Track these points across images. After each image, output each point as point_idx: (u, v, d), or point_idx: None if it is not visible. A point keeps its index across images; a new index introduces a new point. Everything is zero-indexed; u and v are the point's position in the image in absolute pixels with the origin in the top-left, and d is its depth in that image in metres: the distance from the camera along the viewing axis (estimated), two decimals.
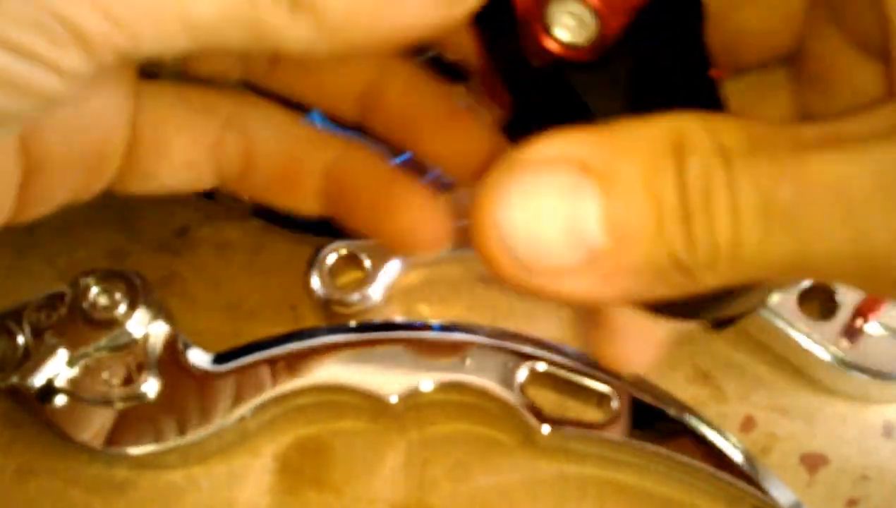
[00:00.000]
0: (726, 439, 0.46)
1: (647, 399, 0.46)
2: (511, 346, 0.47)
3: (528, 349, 0.47)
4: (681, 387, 0.49)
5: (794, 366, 0.50)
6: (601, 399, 0.47)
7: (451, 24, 0.28)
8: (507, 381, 0.47)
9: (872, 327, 0.48)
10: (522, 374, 0.47)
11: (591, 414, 0.48)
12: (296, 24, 0.26)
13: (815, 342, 0.48)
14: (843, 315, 0.48)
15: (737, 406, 0.49)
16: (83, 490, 0.47)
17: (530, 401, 0.46)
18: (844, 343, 0.48)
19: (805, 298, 0.49)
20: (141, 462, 0.47)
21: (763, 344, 0.50)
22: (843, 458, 0.48)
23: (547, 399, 0.48)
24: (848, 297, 0.48)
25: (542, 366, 0.47)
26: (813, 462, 0.48)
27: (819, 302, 0.49)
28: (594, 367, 0.47)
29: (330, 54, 0.27)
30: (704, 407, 0.49)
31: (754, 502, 0.45)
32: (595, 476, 0.47)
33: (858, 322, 0.48)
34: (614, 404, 0.46)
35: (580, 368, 0.47)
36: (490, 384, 0.47)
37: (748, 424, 0.49)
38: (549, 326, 0.50)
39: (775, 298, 0.48)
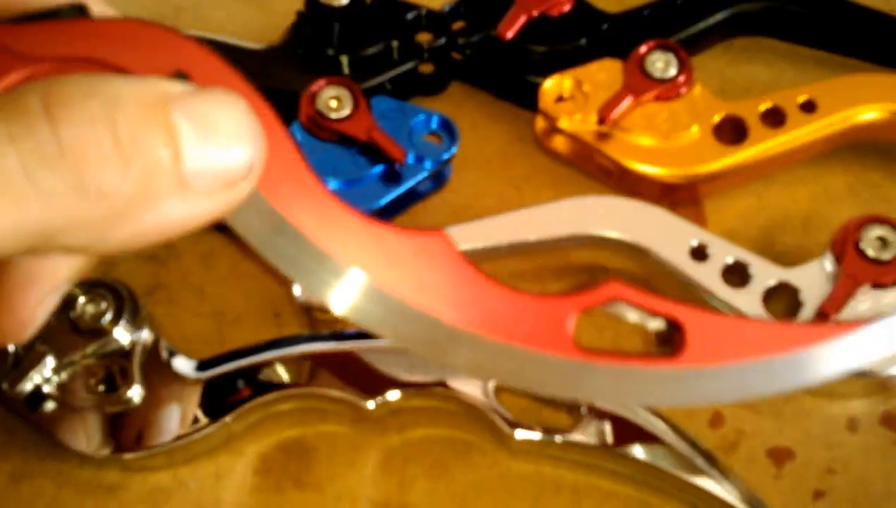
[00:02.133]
0: (692, 440, 0.47)
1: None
2: None
3: None
4: None
5: None
6: (571, 404, 0.49)
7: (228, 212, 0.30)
8: (481, 387, 0.48)
9: None
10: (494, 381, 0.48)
11: (562, 419, 0.49)
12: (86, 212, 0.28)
13: None
14: (807, 313, 0.49)
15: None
16: (75, 492, 0.48)
17: (501, 407, 0.48)
18: None
19: (770, 297, 0.50)
20: (130, 465, 0.48)
21: None
22: (808, 452, 0.49)
23: (518, 404, 0.49)
24: (812, 296, 0.50)
25: None
26: (779, 456, 0.49)
27: (784, 301, 0.50)
28: None
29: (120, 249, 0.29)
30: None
31: (719, 504, 0.47)
32: (570, 475, 0.49)
33: (822, 319, 0.49)
34: (583, 410, 0.48)
35: None
36: (464, 389, 0.48)
37: (717, 420, 0.50)
38: None
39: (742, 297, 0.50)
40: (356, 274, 0.32)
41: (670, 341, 0.34)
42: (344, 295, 0.32)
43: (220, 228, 0.53)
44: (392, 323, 0.32)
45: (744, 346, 0.34)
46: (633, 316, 0.34)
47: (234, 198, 0.30)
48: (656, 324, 0.34)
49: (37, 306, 0.33)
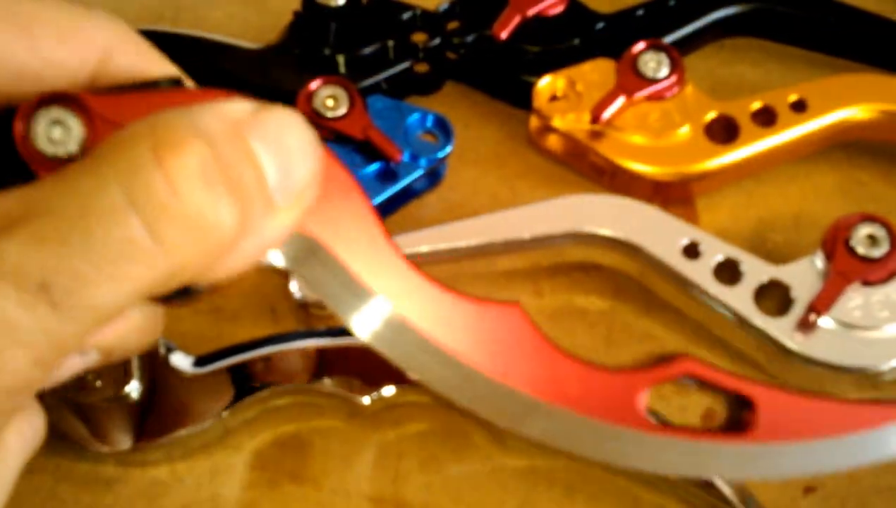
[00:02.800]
0: None
1: None
2: None
3: None
4: None
5: (752, 360, 0.51)
6: None
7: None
8: None
9: (825, 321, 0.50)
10: None
11: None
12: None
13: (771, 336, 0.50)
14: (797, 310, 0.50)
15: (698, 398, 0.50)
16: (72, 486, 0.49)
17: None
18: (799, 337, 0.50)
19: (761, 294, 0.50)
20: (127, 460, 0.49)
21: (721, 338, 0.52)
22: None
23: None
24: (802, 293, 0.50)
25: None
26: None
27: (775, 298, 0.51)
28: None
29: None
30: (667, 401, 0.50)
31: (711, 499, 0.47)
32: (563, 469, 0.49)
33: (812, 316, 0.49)
34: None
35: None
36: None
37: (709, 416, 0.50)
38: None
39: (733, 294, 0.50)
40: (436, 345, 0.33)
41: (740, 416, 0.35)
42: (424, 366, 0.33)
43: None
44: (472, 393, 0.34)
45: (814, 424, 0.35)
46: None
47: (306, 204, 0.32)
48: (729, 405, 0.35)
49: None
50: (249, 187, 0.30)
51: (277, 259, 0.34)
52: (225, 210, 0.29)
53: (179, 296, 0.32)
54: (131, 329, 0.33)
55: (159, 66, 0.35)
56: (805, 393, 0.35)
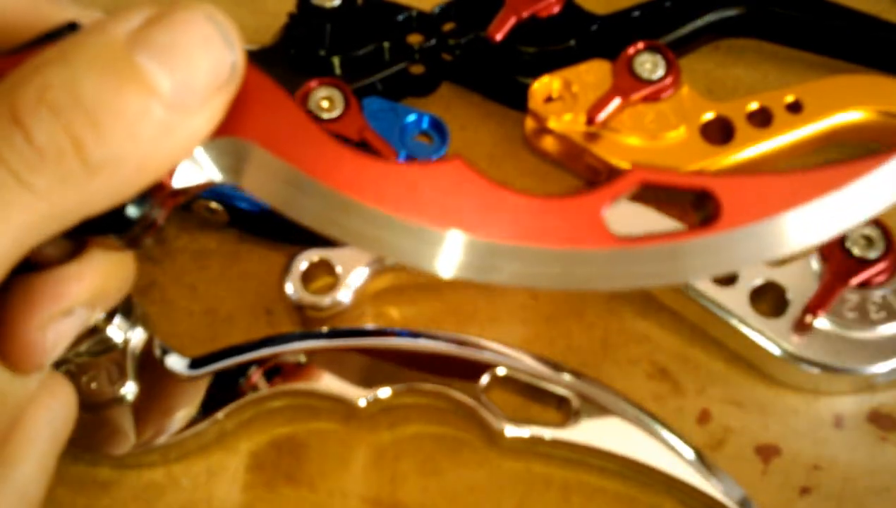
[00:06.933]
0: (680, 437, 0.48)
1: (604, 401, 0.48)
2: (473, 353, 0.49)
3: (489, 355, 0.49)
4: (640, 383, 0.51)
5: (748, 361, 0.52)
6: (560, 402, 0.49)
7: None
8: (471, 386, 0.49)
9: (821, 323, 0.50)
10: (485, 379, 0.49)
11: (551, 416, 0.50)
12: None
13: (767, 337, 0.50)
14: (793, 311, 0.50)
15: (693, 400, 0.51)
16: (68, 489, 0.49)
17: (492, 405, 0.48)
18: (795, 338, 0.50)
19: (757, 296, 0.51)
20: (123, 462, 0.49)
21: (717, 340, 0.52)
22: (795, 449, 0.50)
23: (508, 402, 0.50)
24: (798, 295, 0.50)
25: (502, 371, 0.49)
26: (766, 453, 0.50)
27: (770, 300, 0.51)
28: (553, 370, 0.49)
29: None
30: (663, 402, 0.51)
31: (707, 500, 0.47)
32: (559, 472, 0.49)
33: (808, 318, 0.50)
34: (573, 406, 0.49)
35: (539, 372, 0.49)
36: (454, 388, 0.49)
37: (704, 417, 0.51)
38: (511, 328, 0.53)
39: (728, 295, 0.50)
40: (388, 216, 0.32)
41: (704, 212, 0.34)
42: (387, 242, 0.32)
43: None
44: (430, 254, 0.33)
45: (780, 199, 0.33)
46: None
47: (228, 95, 0.31)
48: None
49: (42, 329, 0.32)
50: (139, 109, 0.29)
51: (214, 175, 0.33)
52: (100, 147, 0.28)
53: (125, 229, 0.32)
54: (105, 278, 0.34)
55: (55, 9, 0.34)
56: (763, 172, 0.34)
